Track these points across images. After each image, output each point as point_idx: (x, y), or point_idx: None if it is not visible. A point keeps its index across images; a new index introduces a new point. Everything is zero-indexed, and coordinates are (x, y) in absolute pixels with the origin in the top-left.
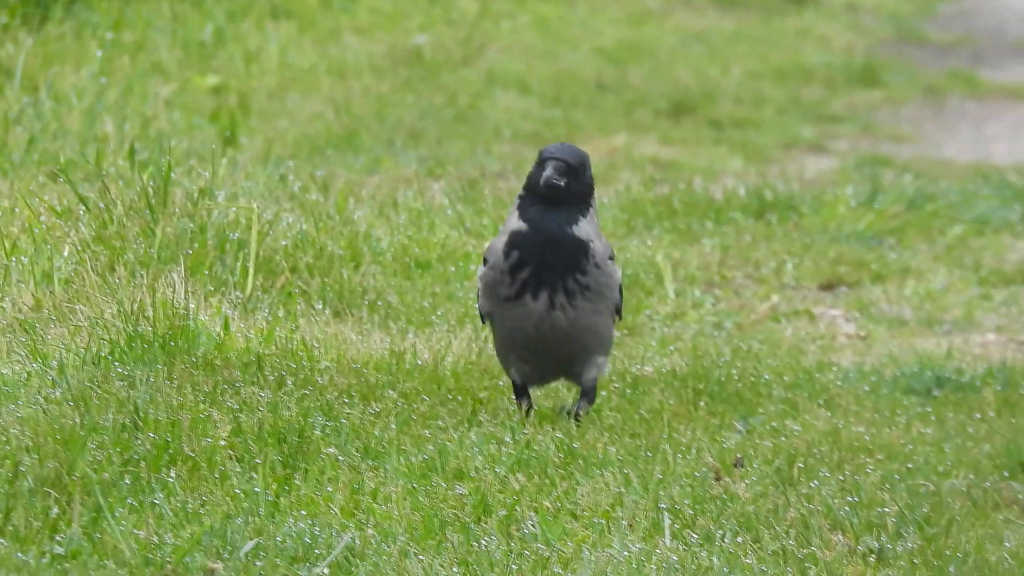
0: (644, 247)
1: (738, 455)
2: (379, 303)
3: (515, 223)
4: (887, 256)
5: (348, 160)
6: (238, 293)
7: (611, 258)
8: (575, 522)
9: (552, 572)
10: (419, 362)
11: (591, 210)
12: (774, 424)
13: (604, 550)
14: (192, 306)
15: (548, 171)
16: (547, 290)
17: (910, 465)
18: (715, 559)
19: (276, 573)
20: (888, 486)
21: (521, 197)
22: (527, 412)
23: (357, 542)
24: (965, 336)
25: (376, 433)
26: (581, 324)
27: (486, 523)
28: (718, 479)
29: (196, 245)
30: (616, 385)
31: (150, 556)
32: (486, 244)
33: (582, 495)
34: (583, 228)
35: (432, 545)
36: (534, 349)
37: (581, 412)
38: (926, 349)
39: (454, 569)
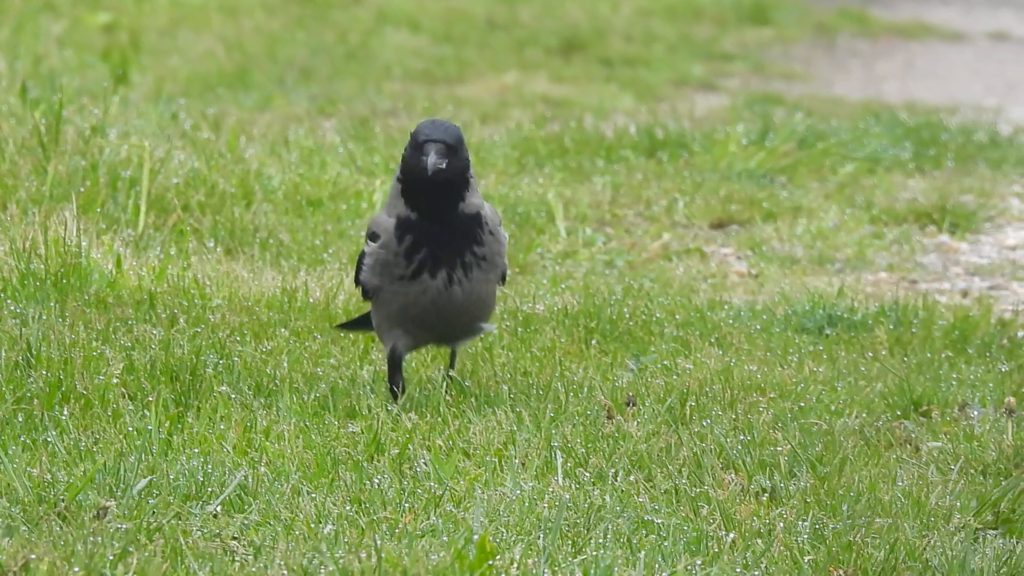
0: (535, 185)
1: (630, 394)
2: (271, 241)
3: (402, 208)
4: (778, 194)
5: (239, 98)
6: (130, 231)
7: (500, 223)
8: (467, 461)
9: (445, 511)
10: (311, 300)
11: (472, 182)
12: (666, 363)
13: (496, 488)
14: (84, 244)
15: (432, 158)
16: (445, 267)
17: (803, 404)
18: (607, 498)
19: (169, 511)
20: (781, 425)
21: (400, 179)
22: (401, 390)
23: (250, 480)
24: (857, 274)
25: (268, 371)
26: (475, 295)
27: (379, 461)
28: (610, 418)
29: (88, 183)
30: (508, 324)
31: (43, 494)
32: (373, 219)
33: (474, 434)
34: (470, 201)
35: (325, 483)
36: (424, 322)
37: (453, 372)
38: (818, 287)
39: (347, 507)
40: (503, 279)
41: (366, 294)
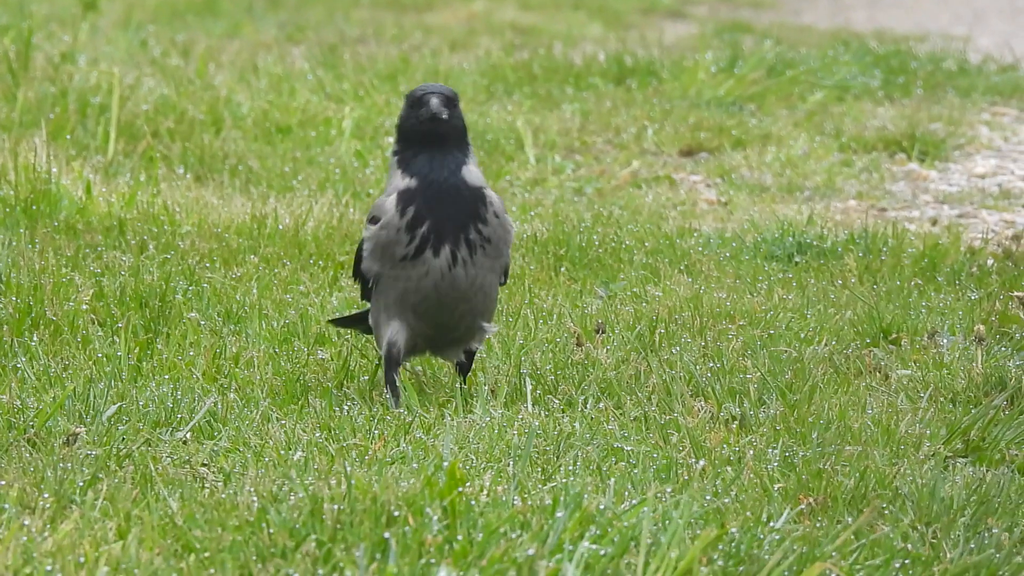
0: (504, 113)
1: (599, 321)
2: (240, 168)
3: (400, 181)
4: (748, 122)
5: (208, 25)
6: (100, 157)
7: (505, 211)
8: (437, 389)
9: (414, 437)
10: (280, 227)
11: (471, 150)
12: (635, 290)
13: (466, 416)
14: (54, 170)
15: (434, 103)
16: (449, 244)
17: (772, 331)
18: (577, 425)
19: (138, 438)
20: (750, 352)
21: (397, 152)
22: (396, 395)
23: (219, 407)
24: (826, 202)
25: (238, 298)
26: (478, 283)
27: (348, 388)
28: (579, 345)
29: (58, 110)
30: None
31: (13, 420)
32: (374, 204)
33: (445, 361)
34: (473, 173)
35: (294, 410)
36: (426, 311)
37: (465, 374)
38: (787, 215)
39: (316, 434)
40: (505, 275)
41: (365, 287)
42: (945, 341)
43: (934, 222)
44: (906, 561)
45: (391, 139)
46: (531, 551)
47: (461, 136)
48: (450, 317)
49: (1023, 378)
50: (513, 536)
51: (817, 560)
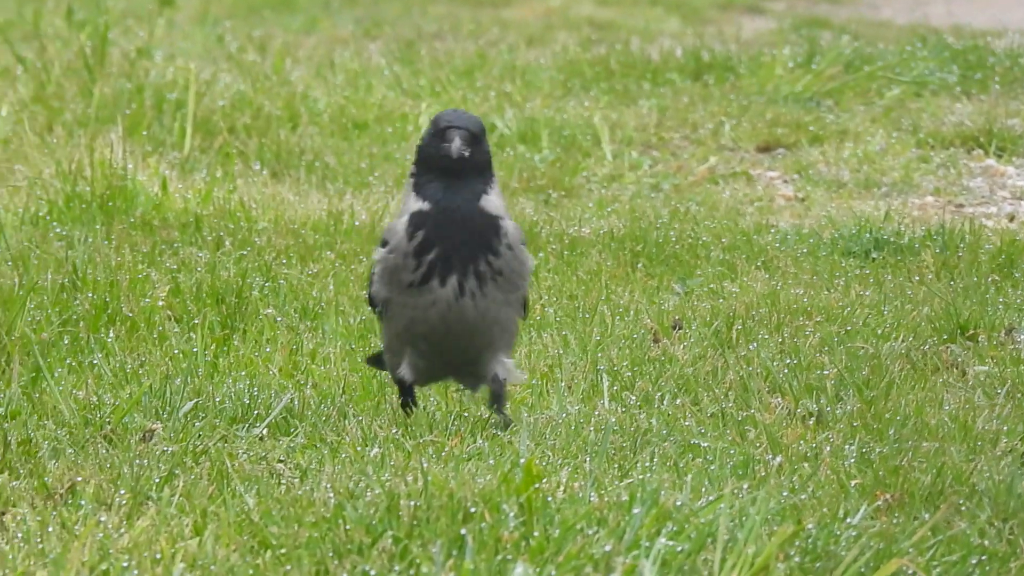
0: (581, 108)
1: (676, 317)
2: (316, 164)
3: (414, 203)
4: (825, 118)
5: (285, 20)
6: (176, 153)
7: (523, 243)
8: (515, 386)
9: (491, 434)
10: (357, 223)
11: (494, 181)
12: (712, 286)
13: (543, 411)
14: (130, 166)
15: (456, 143)
16: (456, 274)
17: (849, 328)
18: (654, 421)
19: (215, 434)
20: (827, 349)
21: (414, 174)
22: (410, 411)
23: (296, 403)
24: (903, 198)
25: (314, 294)
26: (490, 316)
27: (425, 385)
28: (656, 341)
29: (134, 105)
30: (554, 247)
31: (89, 416)
32: (386, 227)
33: (521, 357)
34: (492, 202)
35: (371, 406)
36: (435, 343)
37: (504, 412)
38: (864, 211)
39: (393, 430)
40: (524, 309)
41: (373, 307)
42: (1022, 337)
43: (1011, 218)
44: (983, 557)
45: None
46: (607, 547)
47: (484, 169)
48: (461, 350)
49: None
50: (589, 532)
51: (894, 556)
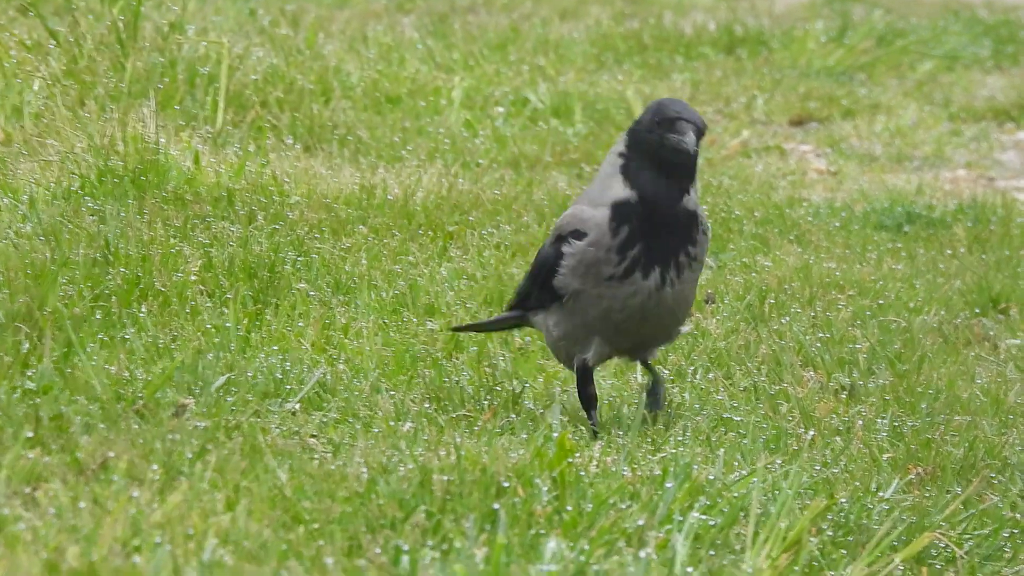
0: (614, 82)
1: (709, 291)
2: (349, 138)
3: (621, 190)
4: (857, 92)
5: None
6: (208, 128)
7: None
8: (548, 360)
9: (524, 408)
10: (389, 197)
11: (696, 179)
12: (745, 260)
13: (574, 387)
14: (163, 141)
15: (689, 138)
16: (659, 267)
17: (881, 301)
18: (687, 395)
19: (247, 409)
20: (859, 322)
21: (624, 156)
22: (594, 405)
23: (328, 377)
24: (935, 172)
25: (347, 268)
26: (682, 297)
27: (457, 359)
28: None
29: (166, 80)
30: None
31: (121, 391)
32: (572, 215)
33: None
34: (693, 200)
35: (403, 381)
36: (627, 329)
37: (663, 399)
38: (896, 185)
39: (425, 404)
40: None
41: (551, 297)
42: None
43: None
44: (1015, 531)
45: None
46: (641, 522)
47: (695, 166)
48: (652, 330)
49: None
50: (623, 507)
51: (926, 530)
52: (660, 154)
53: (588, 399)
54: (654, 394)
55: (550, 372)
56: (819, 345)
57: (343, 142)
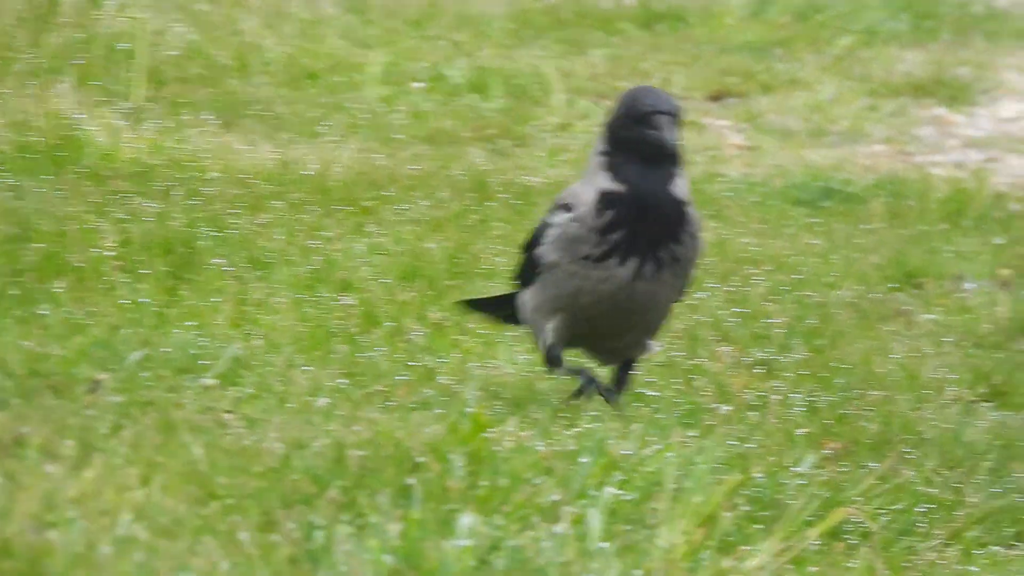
0: (532, 58)
1: None
2: (267, 113)
3: (606, 182)
4: (775, 67)
5: None
6: (127, 104)
7: (701, 230)
8: (463, 336)
9: (439, 384)
10: (306, 173)
11: (682, 163)
12: None
13: (491, 361)
14: (81, 116)
15: (668, 132)
16: (637, 257)
17: (798, 276)
18: (602, 370)
19: (163, 384)
20: (776, 297)
21: (606, 153)
22: (573, 370)
23: (244, 353)
24: (853, 147)
25: (263, 244)
26: (656, 301)
27: (373, 334)
28: None
29: (85, 56)
30: (504, 196)
31: (36, 367)
32: (569, 190)
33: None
34: (681, 187)
35: (319, 356)
36: (592, 317)
37: (613, 398)
38: (814, 160)
39: (340, 380)
40: (683, 292)
41: (532, 266)
42: (969, 286)
43: (960, 167)
44: (930, 506)
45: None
46: (555, 497)
47: (677, 152)
48: (618, 328)
49: None
50: (537, 482)
51: (841, 505)
52: (641, 150)
53: (553, 362)
54: (607, 390)
55: (465, 347)
56: (735, 320)
57: (261, 118)
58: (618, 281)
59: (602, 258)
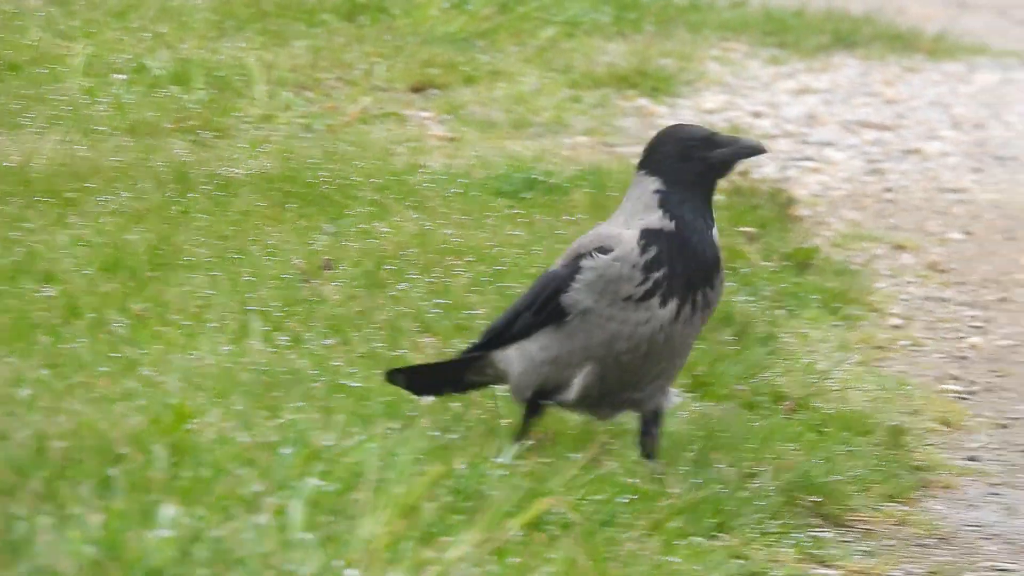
0: (235, 49)
1: (326, 257)
2: None
3: (657, 220)
4: (478, 58)
5: None
6: None
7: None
8: (165, 327)
9: (141, 375)
10: (7, 164)
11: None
12: (363, 226)
13: (193, 352)
14: None
15: (746, 138)
16: (678, 297)
17: (499, 267)
18: (304, 361)
19: None
20: (477, 288)
21: (662, 192)
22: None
23: None
24: (555, 138)
25: None
26: (687, 344)
27: (75, 325)
28: (307, 281)
29: None
30: (206, 187)
31: None
32: (595, 234)
33: (171, 298)
34: (716, 234)
35: (20, 347)
36: (626, 363)
37: (652, 463)
38: (516, 151)
39: (42, 371)
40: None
41: (551, 314)
42: None
43: None
44: (633, 496)
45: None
46: (257, 487)
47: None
48: (647, 375)
49: (749, 314)
50: (239, 473)
51: (543, 496)
52: (709, 176)
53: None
54: (648, 435)
55: (167, 338)
56: (437, 311)
57: None
58: (659, 322)
59: (645, 297)
